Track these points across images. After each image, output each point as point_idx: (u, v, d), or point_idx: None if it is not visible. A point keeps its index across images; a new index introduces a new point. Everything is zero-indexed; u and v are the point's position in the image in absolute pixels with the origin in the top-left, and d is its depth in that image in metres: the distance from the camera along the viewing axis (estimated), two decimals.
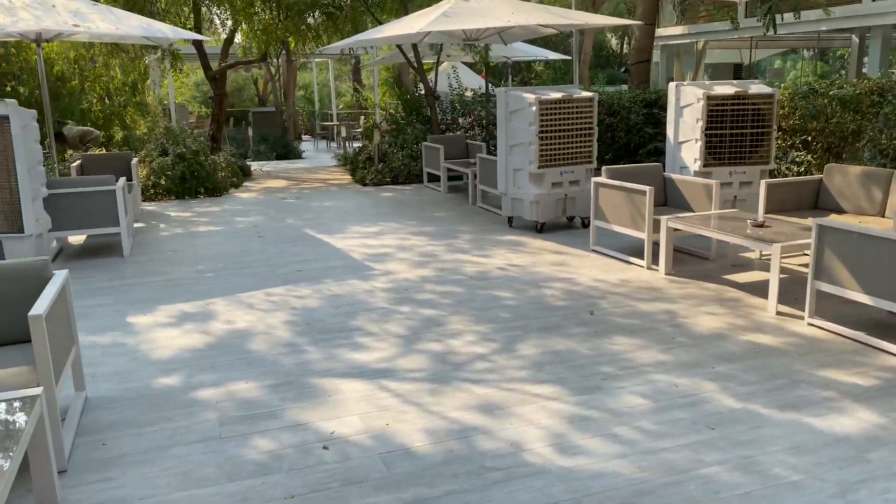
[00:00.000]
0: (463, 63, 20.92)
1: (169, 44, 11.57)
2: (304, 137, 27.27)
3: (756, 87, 7.86)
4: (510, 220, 8.58)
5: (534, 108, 7.78)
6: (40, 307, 3.20)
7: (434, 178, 12.50)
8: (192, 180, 11.30)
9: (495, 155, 11.25)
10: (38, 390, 2.87)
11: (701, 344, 4.71)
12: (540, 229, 8.20)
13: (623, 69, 10.49)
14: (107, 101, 17.62)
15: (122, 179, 7.76)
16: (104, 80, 17.34)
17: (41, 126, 15.79)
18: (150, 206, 10.71)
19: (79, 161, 9.95)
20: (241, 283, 6.37)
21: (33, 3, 7.84)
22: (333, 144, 23.09)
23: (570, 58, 20.86)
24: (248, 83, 35.33)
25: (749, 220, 5.98)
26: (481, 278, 6.37)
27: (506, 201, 8.44)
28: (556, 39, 29.88)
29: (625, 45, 38.26)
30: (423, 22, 8.72)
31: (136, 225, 9.23)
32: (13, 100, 6.31)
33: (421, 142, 13.20)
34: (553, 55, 18.63)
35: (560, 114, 7.95)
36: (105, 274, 6.82)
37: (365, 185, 12.58)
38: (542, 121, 7.84)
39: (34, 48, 16.69)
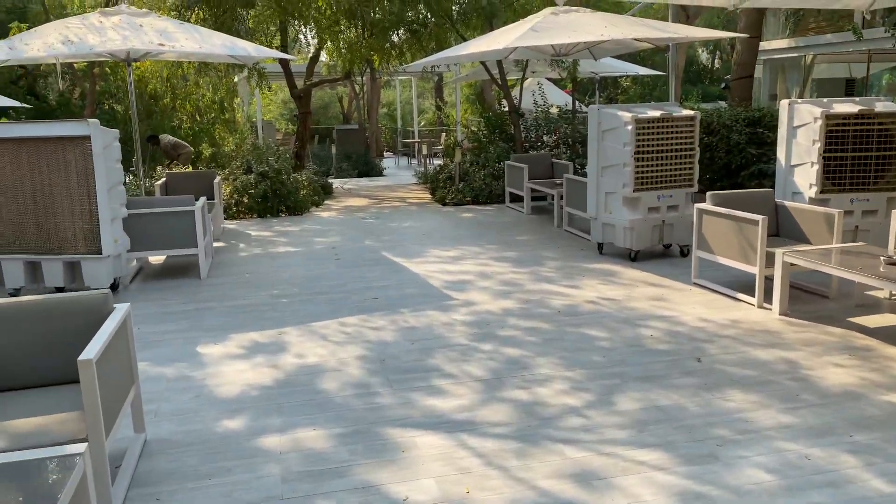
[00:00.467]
0: (548, 79, 20.43)
1: (254, 62, 11.63)
2: (385, 154, 27.36)
3: (882, 105, 7.03)
4: (600, 246, 8.00)
5: (629, 128, 7.21)
6: (91, 350, 2.92)
7: (517, 199, 12.03)
8: (273, 199, 11.24)
9: (583, 175, 10.68)
10: (81, 447, 2.56)
11: (831, 403, 4.04)
12: (634, 258, 7.59)
13: (723, 85, 9.81)
14: (196, 118, 18.08)
15: (202, 200, 7.67)
16: (194, 98, 17.80)
17: (129, 144, 16.35)
18: (231, 225, 10.69)
19: (163, 179, 10.03)
20: (316, 311, 6.07)
21: (122, 23, 7.89)
22: (414, 161, 22.98)
23: (661, 73, 20.02)
24: (334, 101, 35.95)
25: (882, 257, 5.22)
26: (570, 313, 5.84)
27: (596, 226, 7.88)
28: (644, 54, 28.95)
29: (716, 60, 36.77)
30: (511, 37, 8.30)
31: (215, 244, 9.17)
32: (95, 119, 6.26)
33: (503, 160, 12.77)
34: (643, 70, 17.87)
35: (658, 134, 7.35)
36: (180, 297, 6.67)
37: (445, 204, 12.24)
38: (638, 141, 7.26)
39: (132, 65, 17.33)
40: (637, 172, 7.32)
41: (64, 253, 6.40)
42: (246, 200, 11.24)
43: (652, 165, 7.38)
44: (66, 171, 6.25)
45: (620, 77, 32.75)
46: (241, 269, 7.72)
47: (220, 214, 9.87)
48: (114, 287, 6.90)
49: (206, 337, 5.48)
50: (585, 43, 9.80)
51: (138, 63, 17.24)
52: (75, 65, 15.25)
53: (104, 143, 6.31)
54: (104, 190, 6.29)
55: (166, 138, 14.09)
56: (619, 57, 19.75)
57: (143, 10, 8.95)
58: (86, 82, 17.23)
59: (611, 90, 31.57)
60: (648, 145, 7.33)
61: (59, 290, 6.78)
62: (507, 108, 14.12)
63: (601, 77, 20.46)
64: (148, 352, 5.18)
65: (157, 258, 8.48)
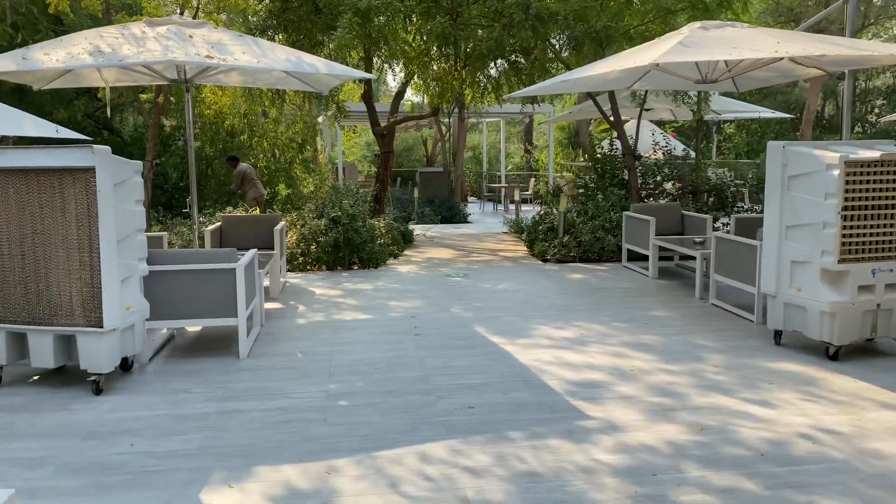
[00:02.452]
0: (650, 121, 18.31)
1: (330, 90, 10.15)
2: (469, 199, 25.73)
3: None
4: (778, 335, 5.80)
5: (835, 173, 5.07)
6: None
7: (635, 257, 9.91)
8: (345, 249, 9.55)
9: (733, 233, 8.49)
10: None
11: None
12: (834, 356, 5.35)
13: None
14: (274, 156, 16.90)
15: (250, 255, 5.97)
16: (272, 136, 16.65)
17: (180, 180, 15.18)
18: (295, 278, 9.02)
19: (218, 224, 8.49)
20: (384, 428, 4.17)
21: (169, 33, 6.42)
22: (500, 207, 21.17)
23: (788, 116, 17.56)
24: (418, 143, 34.78)
25: None
26: (781, 458, 3.70)
27: (774, 308, 5.70)
28: (752, 95, 26.06)
29: (827, 106, 33.56)
30: (656, 53, 6.35)
31: (270, 306, 7.47)
32: (105, 147, 4.66)
33: (618, 210, 10.71)
34: (767, 112, 15.52)
35: (877, 182, 5.17)
36: (206, 387, 4.91)
37: (545, 260, 10.25)
38: (848, 192, 5.11)
39: (209, 100, 16.36)
40: (845, 236, 5.14)
41: (56, 323, 4.77)
42: (314, 249, 9.59)
43: (866, 226, 5.19)
44: (64, 214, 4.65)
45: (725, 122, 30.22)
46: (293, 346, 5.94)
47: (279, 267, 8.20)
48: (125, 366, 5.22)
49: (221, 470, 3.65)
50: (753, 61, 7.72)
51: (214, 97, 16.31)
52: (141, 95, 14.28)
53: (116, 177, 4.70)
54: (111, 240, 4.64)
55: (245, 167, 12.83)
56: (726, 95, 17.44)
57: (200, 20, 7.52)
58: (160, 114, 16.34)
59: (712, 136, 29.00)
60: (862, 198, 5.16)
61: (55, 369, 5.16)
62: (614, 151, 12.12)
63: (718, 120, 18.19)
64: (130, 495, 3.38)
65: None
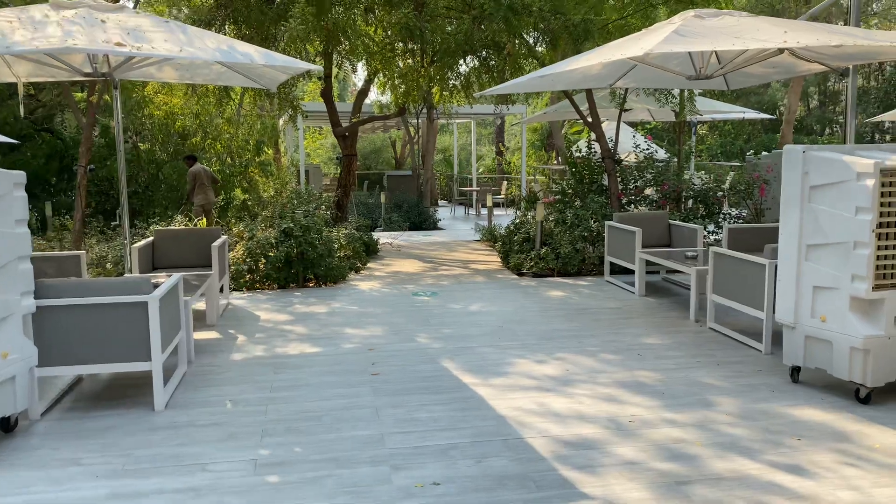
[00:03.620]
0: (625, 122, 17.56)
1: (279, 86, 9.16)
2: (440, 203, 24.84)
3: None
4: (795, 372, 4.96)
5: (868, 183, 4.25)
6: None
7: (619, 270, 9.08)
8: (298, 264, 8.55)
9: (726, 245, 7.69)
10: None
11: None
12: (865, 399, 4.53)
13: None
14: (229, 160, 15.80)
15: (173, 281, 4.97)
16: (225, 139, 15.56)
17: (109, 189, 14.02)
18: (239, 299, 8.01)
19: (149, 240, 7.45)
20: None
21: (77, 17, 5.39)
22: (472, 212, 20.30)
23: (769, 117, 16.95)
24: (386, 145, 33.75)
25: None
26: None
27: (792, 340, 4.86)
28: (729, 95, 25.42)
29: (810, 105, 33.31)
30: (649, 42, 5.49)
31: (203, 336, 6.46)
32: None
33: (599, 219, 9.87)
34: (752, 113, 14.84)
35: None
36: (105, 455, 3.91)
37: (521, 274, 9.36)
38: (884, 205, 4.29)
39: (158, 99, 15.22)
40: (880, 258, 4.32)
41: None
42: (262, 266, 8.58)
43: None
44: None
45: (699, 124, 29.77)
46: (223, 392, 4.95)
47: (218, 288, 7.19)
48: (6, 427, 4.19)
49: None
50: (753, 55, 6.90)
51: (165, 97, 15.16)
52: (76, 94, 13.12)
53: None
54: None
55: (199, 169, 11.77)
56: (704, 94, 16.73)
57: (121, 3, 6.48)
58: (96, 114, 15.13)
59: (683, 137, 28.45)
60: None
61: None
62: (592, 154, 11.29)
63: (696, 121, 17.50)
64: None
65: None
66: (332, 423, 4.32)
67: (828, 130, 33.48)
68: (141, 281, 4.55)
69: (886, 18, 27.23)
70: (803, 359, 4.78)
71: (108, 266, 8.69)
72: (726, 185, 10.73)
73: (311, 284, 8.78)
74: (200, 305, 7.59)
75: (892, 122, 28.36)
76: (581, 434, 4.10)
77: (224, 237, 7.56)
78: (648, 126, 26.42)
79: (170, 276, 5.96)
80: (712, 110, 13.12)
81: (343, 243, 9.90)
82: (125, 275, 7.07)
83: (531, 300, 7.74)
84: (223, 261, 7.47)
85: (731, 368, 5.29)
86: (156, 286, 4.88)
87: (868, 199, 4.25)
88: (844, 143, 7.51)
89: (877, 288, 4.33)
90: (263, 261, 8.58)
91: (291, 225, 8.50)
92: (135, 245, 6.97)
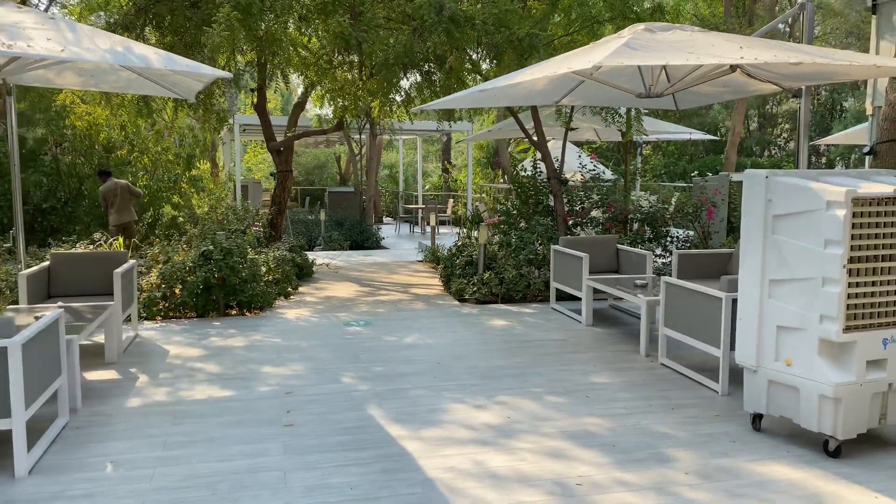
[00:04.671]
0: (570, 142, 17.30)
1: (197, 95, 8.46)
2: (385, 220, 24.20)
3: None
4: (756, 419, 4.50)
5: (839, 213, 3.83)
6: None
7: (566, 296, 8.61)
8: (218, 291, 7.80)
9: (675, 272, 7.29)
10: None
11: None
12: (835, 452, 4.08)
13: (866, 150, 7.12)
14: (158, 175, 14.87)
15: (48, 319, 4.22)
16: (153, 151, 14.64)
17: (44, 200, 12.98)
18: (150, 331, 7.21)
19: (45, 264, 6.61)
20: None
21: None
22: (417, 229, 19.74)
23: (714, 138, 16.91)
24: (331, 161, 32.94)
25: None
26: None
27: (753, 384, 4.40)
28: (671, 116, 25.50)
29: (752, 125, 33.98)
30: (598, 55, 5.02)
31: (99, 377, 5.67)
32: None
33: (545, 241, 9.41)
34: (698, 135, 14.72)
35: (891, 226, 3.96)
36: None
37: (463, 300, 8.80)
38: (856, 237, 3.87)
39: (80, 109, 14.23)
40: (851, 296, 3.90)
41: None
42: (178, 292, 7.79)
43: (877, 283, 3.96)
44: None
45: (644, 144, 30.01)
46: (108, 450, 4.20)
47: (120, 319, 6.40)
48: None
49: None
50: (704, 73, 6.53)
51: (88, 106, 14.19)
52: None
53: None
54: None
55: (113, 185, 10.88)
56: (651, 115, 16.60)
57: (13, 2, 5.70)
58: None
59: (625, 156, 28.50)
60: (871, 246, 3.94)
61: None
62: (537, 174, 10.86)
63: (642, 142, 17.35)
64: None
65: None
66: (229, 492, 3.64)
67: (766, 152, 34.19)
68: (2, 322, 3.79)
69: (827, 43, 27.96)
70: (766, 406, 4.33)
71: (7, 293, 7.78)
72: (671, 208, 10.45)
73: (233, 312, 8.03)
74: (102, 338, 6.77)
75: (828, 145, 29.07)
76: (521, 501, 3.52)
77: (131, 262, 6.77)
78: (594, 146, 26.42)
79: (61, 307, 5.18)
80: (659, 130, 12.90)
81: (271, 266, 9.17)
82: (10, 306, 6.21)
83: (472, 331, 7.18)
84: (129, 288, 6.68)
85: (686, 413, 4.81)
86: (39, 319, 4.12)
87: (839, 230, 3.83)
88: (797, 167, 7.22)
89: (848, 329, 3.90)
90: (180, 287, 7.80)
91: (211, 248, 7.75)
92: (24, 272, 6.14)
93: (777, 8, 22.70)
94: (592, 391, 5.26)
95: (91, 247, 10.22)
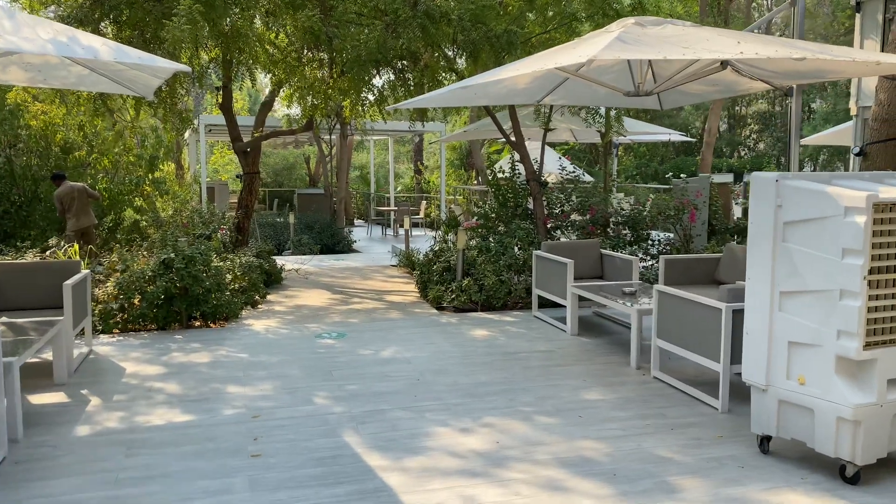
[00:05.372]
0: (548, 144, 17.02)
1: (155, 92, 7.96)
2: (356, 222, 23.71)
3: None
4: (764, 441, 4.18)
5: (859, 220, 3.52)
6: None
7: (548, 303, 8.26)
8: (180, 301, 7.30)
9: (662, 278, 6.99)
10: None
11: None
12: (853, 478, 3.77)
13: (856, 151, 6.95)
14: (120, 176, 14.22)
15: None
16: (114, 153, 14.00)
17: None
18: (106, 345, 6.69)
19: None
20: None
21: None
22: (390, 232, 19.29)
23: (692, 139, 16.78)
24: (300, 162, 32.29)
25: None
26: None
27: (762, 404, 4.08)
28: (642, 116, 25.35)
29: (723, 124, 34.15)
30: (591, 50, 4.67)
31: (45, 400, 5.16)
32: None
33: (525, 246, 9.07)
34: (677, 136, 14.54)
35: None
36: None
37: (441, 308, 8.42)
38: (877, 246, 3.57)
39: (35, 108, 13.54)
40: (872, 310, 3.59)
41: None
42: (138, 303, 7.28)
43: None
44: None
45: (619, 145, 29.96)
46: (47, 491, 3.72)
47: (71, 336, 5.88)
48: None
49: None
50: (694, 71, 6.21)
51: (43, 105, 13.52)
52: None
53: None
54: None
55: (69, 188, 10.30)
56: (627, 115, 16.36)
57: None
58: None
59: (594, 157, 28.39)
60: (893, 256, 3.64)
61: None
62: (516, 175, 10.51)
63: (618, 142, 17.14)
64: None
65: None
66: None
67: (736, 153, 34.40)
68: None
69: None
70: (776, 428, 4.01)
71: None
72: (648, 209, 10.21)
73: (196, 324, 7.53)
74: (51, 356, 6.24)
75: (802, 146, 29.28)
76: None
77: (84, 272, 6.26)
78: (566, 147, 26.23)
79: (2, 324, 4.68)
80: (638, 131, 12.66)
81: (238, 273, 8.68)
82: None
83: (452, 342, 6.79)
84: (82, 301, 6.16)
85: (687, 434, 4.48)
86: None
87: (858, 239, 3.52)
88: (789, 168, 6.97)
89: (868, 346, 3.59)
90: (139, 297, 7.28)
91: (172, 255, 7.25)
92: None
93: (753, 7, 22.71)
94: (585, 410, 4.91)
95: (43, 255, 9.64)
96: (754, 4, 22.75)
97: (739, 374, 4.87)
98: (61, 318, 5.50)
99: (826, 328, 3.69)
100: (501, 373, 5.77)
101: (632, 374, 5.78)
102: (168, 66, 4.43)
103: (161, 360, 6.20)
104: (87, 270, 6.44)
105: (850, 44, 17.70)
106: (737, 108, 34.90)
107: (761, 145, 34.47)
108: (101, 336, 7.04)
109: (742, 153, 35.08)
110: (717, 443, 4.34)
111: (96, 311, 7.21)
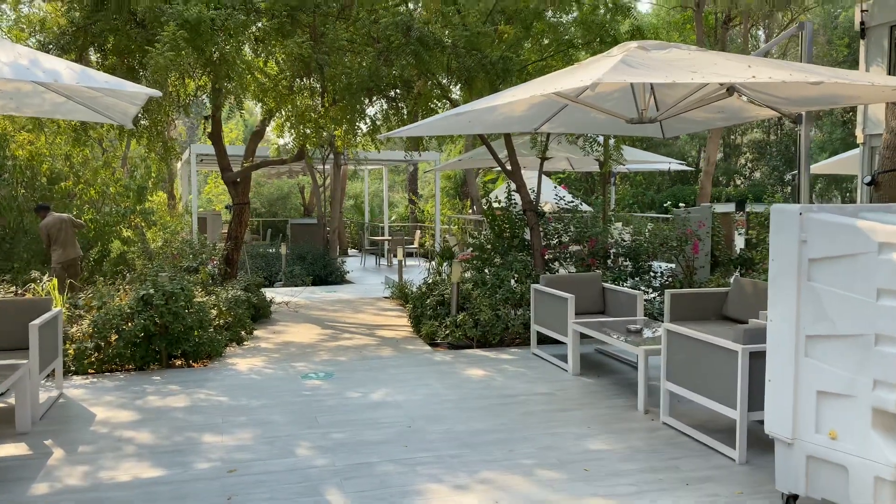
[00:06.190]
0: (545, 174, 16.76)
1: (134, 120, 7.66)
2: (350, 252, 23.35)
3: None
4: (790, 500, 3.79)
5: (895, 258, 3.19)
6: None
7: (548, 339, 7.87)
8: (159, 340, 6.90)
9: (667, 314, 6.65)
10: None
11: None
12: None
13: (867, 181, 6.71)
14: (109, 207, 13.88)
15: None
16: (99, 184, 13.68)
17: None
18: (79, 388, 6.27)
19: None
20: None
21: None
22: (384, 262, 18.94)
23: (690, 168, 16.57)
24: (294, 192, 32.02)
25: None
26: None
27: (788, 458, 3.70)
28: (637, 144, 25.14)
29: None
30: (594, 73, 4.37)
31: (5, 453, 4.74)
32: None
33: (523, 279, 8.71)
34: (676, 164, 14.31)
35: None
36: None
37: (435, 344, 8.04)
38: None
39: (21, 138, 13.26)
40: None
41: None
42: (114, 341, 6.87)
43: None
44: None
45: (616, 174, 29.84)
46: None
47: (37, 380, 5.48)
48: None
49: None
50: (700, 98, 5.91)
51: (30, 135, 13.23)
52: None
53: None
54: None
55: (55, 220, 9.95)
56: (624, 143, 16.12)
57: None
58: None
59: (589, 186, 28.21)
60: None
61: None
62: (512, 205, 10.19)
63: (616, 171, 16.89)
64: None
65: None
66: None
67: (732, 182, 34.27)
68: None
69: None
70: (805, 486, 3.63)
71: None
72: (647, 237, 9.90)
73: (177, 363, 7.13)
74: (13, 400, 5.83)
75: (793, 174, 29.11)
76: None
77: (55, 310, 5.87)
78: (562, 175, 26.02)
79: None
80: (638, 160, 12.40)
81: (223, 309, 8.29)
82: None
83: (447, 383, 6.39)
84: (51, 341, 5.77)
85: (704, 491, 4.08)
86: None
87: (895, 278, 3.18)
88: (798, 198, 6.66)
89: None
90: (115, 336, 6.88)
91: (151, 291, 6.87)
92: None
93: (750, 35, 22.72)
94: (591, 462, 4.51)
95: (23, 288, 9.25)
96: (751, 33, 22.77)
97: (757, 421, 4.50)
98: (25, 360, 5.11)
99: (860, 377, 3.33)
100: (499, 419, 5.38)
101: (639, 419, 5.39)
102: (137, 90, 4.10)
103: (135, 404, 5.79)
104: (60, 308, 6.05)
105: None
106: (732, 136, 34.86)
107: (757, 174, 34.39)
108: (75, 377, 6.63)
109: (738, 182, 34.99)
110: (737, 500, 3.95)
111: (70, 351, 6.81)
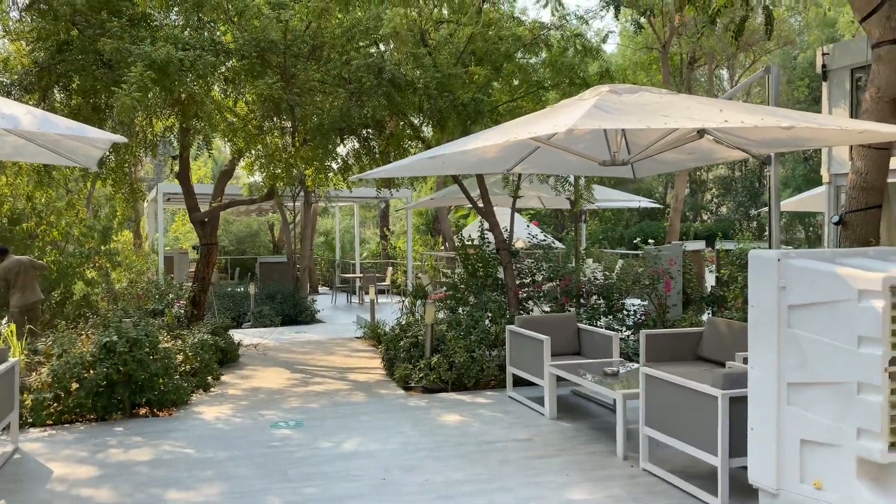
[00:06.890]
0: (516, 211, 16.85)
1: (99, 162, 7.51)
2: (321, 289, 23.05)
3: None
4: None
5: (876, 305, 3.17)
6: None
7: (524, 381, 7.76)
8: (122, 389, 6.65)
9: (643, 355, 6.60)
10: None
11: None
12: None
13: (835, 220, 6.80)
14: (72, 248, 13.53)
15: None
16: (63, 225, 13.35)
17: None
18: (35, 442, 5.98)
19: None
20: None
21: None
22: (355, 300, 18.72)
23: (660, 205, 16.78)
24: (264, 229, 31.72)
25: None
26: None
27: None
28: (605, 182, 25.45)
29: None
30: (570, 117, 4.36)
31: None
32: None
33: (497, 319, 8.63)
34: (646, 202, 14.48)
35: None
36: None
37: (409, 388, 7.87)
38: None
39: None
40: (893, 405, 3.20)
41: None
42: (75, 391, 6.60)
43: None
44: None
45: (586, 211, 30.09)
46: None
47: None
48: None
49: None
50: (674, 140, 5.95)
51: None
52: None
53: None
54: None
55: (14, 263, 9.62)
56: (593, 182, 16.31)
57: None
58: None
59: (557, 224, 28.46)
60: None
61: None
62: (485, 244, 10.16)
63: (586, 208, 17.03)
64: None
65: None
66: None
67: (698, 218, 34.85)
68: None
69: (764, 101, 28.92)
70: None
71: None
72: (617, 273, 9.92)
73: (141, 412, 6.87)
74: None
75: (758, 211, 29.67)
76: None
77: (11, 361, 5.62)
78: (532, 212, 26.17)
79: None
80: (609, 198, 12.50)
81: (189, 354, 8.04)
82: None
83: (422, 430, 6.23)
84: (7, 394, 5.51)
85: None
86: None
87: (876, 325, 3.16)
88: (769, 237, 6.72)
89: (894, 447, 3.19)
90: (76, 385, 6.61)
91: (115, 338, 6.63)
92: None
93: (714, 76, 23.31)
94: None
95: None
96: (715, 74, 23.38)
97: (739, 467, 4.43)
98: None
99: (844, 426, 3.28)
100: (477, 467, 5.23)
101: (619, 465, 5.29)
102: (100, 136, 3.98)
103: (96, 458, 5.53)
104: (17, 359, 5.80)
105: (815, 112, 18.09)
106: (698, 173, 35.57)
107: (724, 209, 35.03)
108: (32, 430, 6.33)
109: (705, 217, 35.59)
110: None
111: (27, 402, 6.51)
